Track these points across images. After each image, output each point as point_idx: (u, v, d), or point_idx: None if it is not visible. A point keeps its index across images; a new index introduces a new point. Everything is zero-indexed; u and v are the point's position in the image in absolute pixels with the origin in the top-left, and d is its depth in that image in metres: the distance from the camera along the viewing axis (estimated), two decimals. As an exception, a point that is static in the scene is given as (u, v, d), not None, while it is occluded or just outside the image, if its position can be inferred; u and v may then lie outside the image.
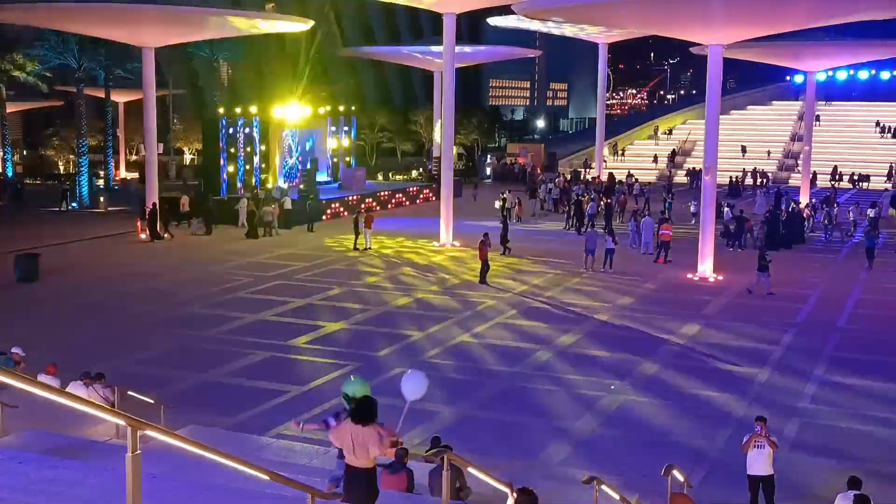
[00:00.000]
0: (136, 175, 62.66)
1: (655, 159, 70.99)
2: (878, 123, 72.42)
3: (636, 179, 58.85)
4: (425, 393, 9.40)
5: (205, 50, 62.58)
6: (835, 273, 32.69)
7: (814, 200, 47.55)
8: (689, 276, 31.00)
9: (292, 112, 47.75)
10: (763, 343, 22.84)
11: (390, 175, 62.42)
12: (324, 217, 43.76)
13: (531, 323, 24.70)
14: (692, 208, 44.59)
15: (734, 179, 60.22)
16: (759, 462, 13.00)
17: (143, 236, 38.59)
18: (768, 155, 67.57)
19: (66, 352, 20.36)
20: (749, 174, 63.29)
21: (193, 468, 9.67)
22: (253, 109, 46.56)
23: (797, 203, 44.91)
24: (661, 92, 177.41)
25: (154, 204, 38.68)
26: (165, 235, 38.41)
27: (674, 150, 71.71)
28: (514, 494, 9.12)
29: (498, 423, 16.95)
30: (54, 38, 51.19)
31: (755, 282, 28.63)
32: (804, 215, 41.59)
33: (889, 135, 70.98)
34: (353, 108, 56.52)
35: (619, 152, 73.31)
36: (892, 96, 78.14)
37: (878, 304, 27.53)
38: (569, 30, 56.50)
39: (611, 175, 60.41)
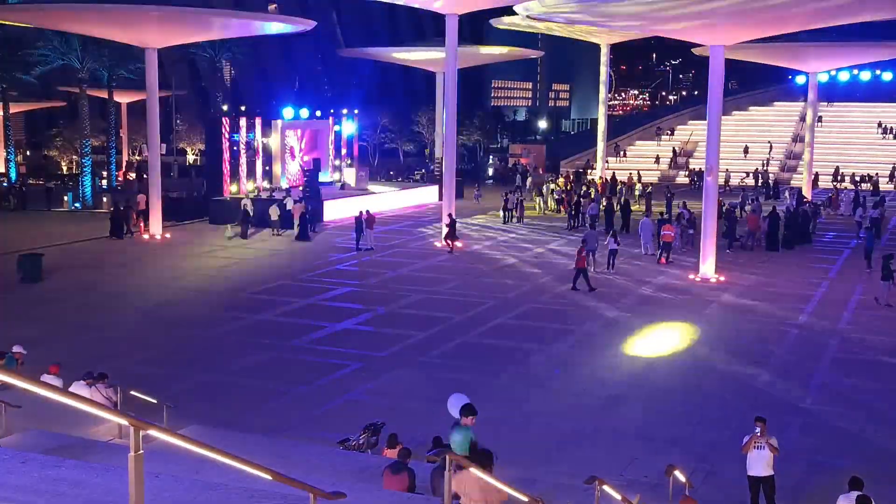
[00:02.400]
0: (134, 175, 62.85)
1: (657, 160, 71.03)
2: (880, 124, 72.37)
3: (639, 179, 58.88)
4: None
5: (207, 50, 62.66)
6: (836, 274, 32.67)
7: (815, 201, 47.54)
8: (691, 276, 31.01)
9: (294, 112, 47.83)
10: (765, 343, 22.85)
11: (391, 173, 62.49)
12: (326, 218, 43.83)
13: (533, 324, 24.72)
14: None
15: (772, 180, 59.25)
16: (760, 463, 13.02)
17: (145, 236, 38.87)
18: (768, 162, 67.42)
19: (68, 351, 20.43)
20: (751, 175, 63.24)
21: (196, 468, 9.69)
22: (255, 110, 46.66)
23: (811, 202, 44.69)
24: (663, 93, 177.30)
25: (116, 203, 40.87)
26: (144, 235, 38.88)
27: (673, 148, 71.73)
28: None
29: (499, 424, 16.95)
30: (57, 39, 51.28)
31: (883, 292, 27.14)
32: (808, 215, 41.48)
33: (891, 136, 70.91)
34: (355, 108, 56.60)
35: (622, 153, 73.42)
36: (894, 97, 78.04)
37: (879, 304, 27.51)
38: (574, 29, 56.38)
39: (613, 176, 60.44)
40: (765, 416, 13.38)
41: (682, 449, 15.68)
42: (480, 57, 72.05)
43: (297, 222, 39.49)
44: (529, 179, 58.80)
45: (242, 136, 45.14)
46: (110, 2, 36.98)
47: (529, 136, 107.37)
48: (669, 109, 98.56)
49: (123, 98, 65.02)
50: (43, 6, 38.15)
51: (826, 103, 74.47)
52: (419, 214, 47.61)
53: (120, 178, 60.97)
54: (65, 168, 66.79)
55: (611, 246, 32.01)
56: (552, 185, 52.12)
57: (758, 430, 12.98)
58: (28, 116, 72.81)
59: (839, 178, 62.72)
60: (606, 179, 58.48)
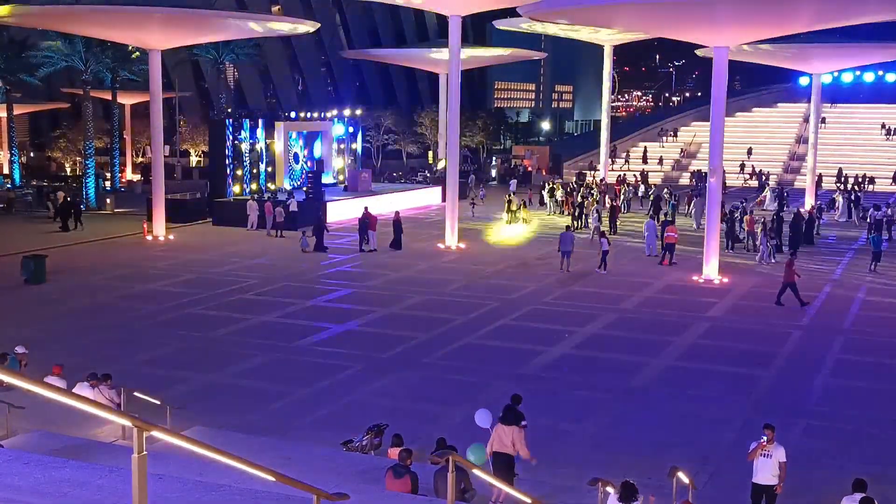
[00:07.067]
0: (139, 177, 62.88)
1: (661, 161, 71.00)
2: (883, 125, 72.25)
3: (641, 181, 58.81)
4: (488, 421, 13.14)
5: (211, 52, 62.72)
6: (840, 275, 32.62)
7: (819, 202, 47.48)
8: (695, 277, 30.98)
9: (298, 114, 47.87)
10: (768, 345, 22.82)
11: (396, 175, 62.49)
12: (329, 219, 43.80)
13: (536, 325, 24.71)
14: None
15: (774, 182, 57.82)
16: (766, 471, 12.77)
17: (149, 237, 38.90)
18: (743, 165, 66.23)
19: (72, 353, 20.45)
20: (753, 176, 63.14)
21: (199, 469, 9.71)
22: (258, 111, 46.72)
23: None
24: (667, 94, 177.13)
25: (65, 197, 42.68)
26: (148, 237, 38.98)
27: (643, 149, 71.82)
28: None
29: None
30: (61, 41, 51.32)
31: None
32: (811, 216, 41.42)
33: (895, 137, 70.81)
34: (358, 110, 56.59)
35: (624, 157, 73.45)
36: (898, 98, 77.94)
37: (882, 306, 27.49)
38: (576, 30, 56.31)
39: (618, 177, 60.36)
40: (773, 424, 13.04)
41: (686, 450, 15.65)
42: (484, 58, 72.06)
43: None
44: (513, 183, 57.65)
45: (246, 138, 45.14)
46: (114, 3, 37.01)
47: (532, 138, 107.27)
48: (673, 111, 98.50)
49: (127, 99, 65.06)
50: (47, 8, 38.16)
51: (829, 104, 74.36)
52: (423, 216, 47.59)
53: (123, 180, 61.03)
54: (68, 170, 66.84)
55: (604, 247, 32.01)
56: (555, 188, 52.00)
57: (765, 437, 12.68)
58: (32, 118, 72.90)
59: (843, 179, 62.58)
60: (609, 182, 58.39)
